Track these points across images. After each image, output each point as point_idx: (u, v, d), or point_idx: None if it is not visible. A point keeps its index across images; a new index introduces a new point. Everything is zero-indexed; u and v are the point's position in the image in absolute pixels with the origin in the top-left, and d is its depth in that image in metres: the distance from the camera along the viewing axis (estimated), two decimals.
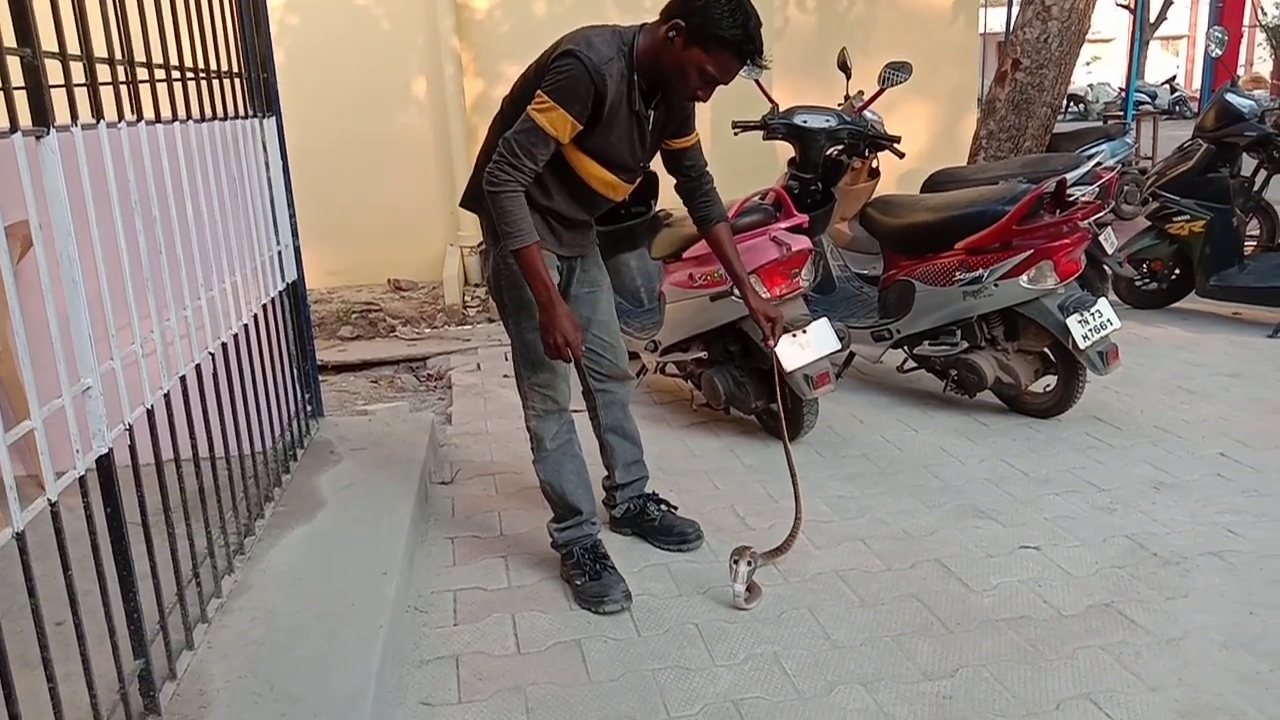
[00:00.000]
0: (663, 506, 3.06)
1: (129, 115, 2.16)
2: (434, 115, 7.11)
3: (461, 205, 2.78)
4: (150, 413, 2.11)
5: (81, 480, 1.77)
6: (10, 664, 1.51)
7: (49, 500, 1.64)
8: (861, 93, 4.95)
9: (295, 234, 3.54)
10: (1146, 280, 5.74)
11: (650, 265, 4.43)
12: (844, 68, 4.86)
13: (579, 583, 2.70)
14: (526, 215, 2.39)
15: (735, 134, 4.35)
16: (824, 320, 3.62)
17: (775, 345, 2.84)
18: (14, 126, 1.59)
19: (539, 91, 2.36)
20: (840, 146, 4.35)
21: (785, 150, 4.49)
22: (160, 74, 2.39)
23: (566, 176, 2.53)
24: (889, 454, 3.72)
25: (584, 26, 2.45)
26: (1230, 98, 5.35)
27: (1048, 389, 4.02)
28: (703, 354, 3.91)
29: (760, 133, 4.33)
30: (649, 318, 4.30)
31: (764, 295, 3.51)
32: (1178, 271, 5.61)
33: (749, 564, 2.63)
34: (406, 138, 7.13)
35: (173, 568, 2.19)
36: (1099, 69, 31.52)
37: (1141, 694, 2.22)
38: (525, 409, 2.77)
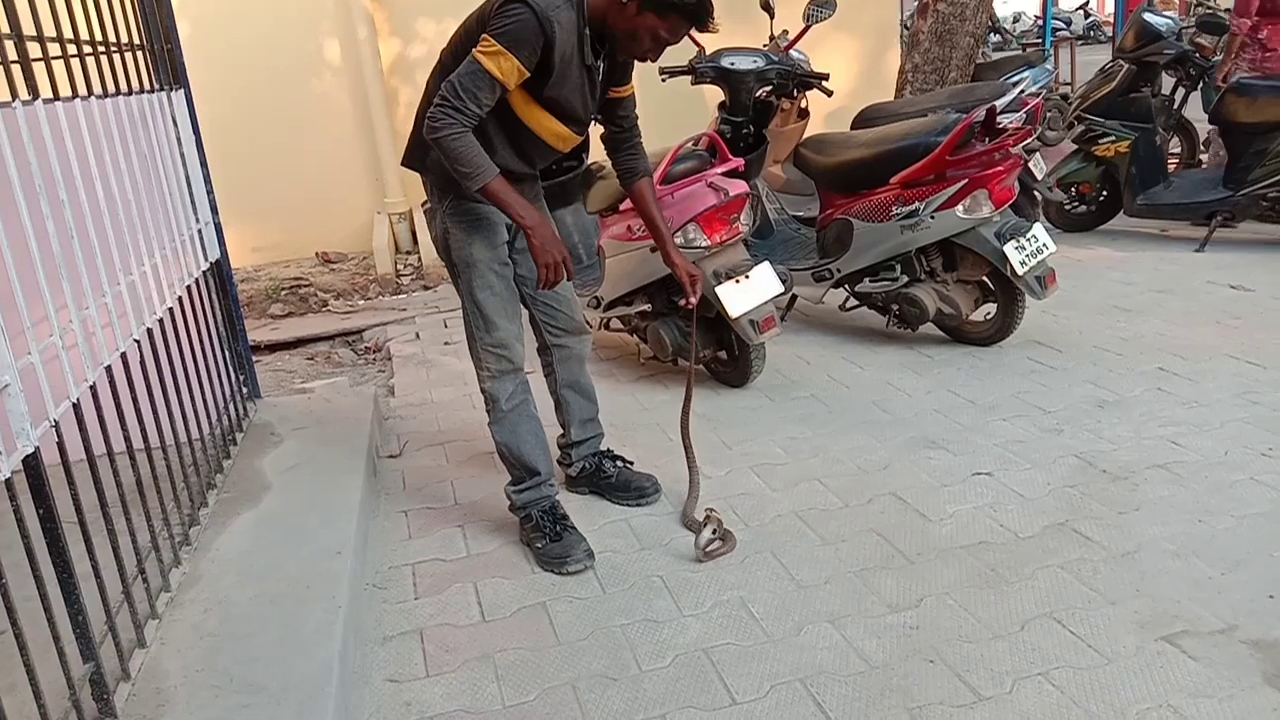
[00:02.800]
0: (619, 463, 3.03)
1: (24, 94, 2.02)
2: (350, 79, 6.89)
3: (403, 164, 2.68)
4: (77, 407, 2.01)
5: (8, 483, 1.68)
6: None
7: None
8: (786, 32, 4.89)
9: (215, 210, 3.40)
10: (1075, 203, 5.82)
11: (586, 220, 4.36)
12: (766, 8, 4.79)
13: (540, 545, 2.66)
14: (480, 151, 2.30)
15: (663, 80, 4.27)
16: (766, 264, 3.60)
17: (695, 303, 2.79)
18: None
19: (484, 35, 2.27)
20: (769, 88, 4.31)
21: (714, 95, 4.44)
22: (55, 50, 2.25)
23: (513, 129, 2.45)
24: (837, 392, 3.73)
25: None
26: (1148, 17, 5.41)
27: (988, 317, 4.07)
28: (646, 306, 3.87)
29: (688, 78, 4.26)
30: (589, 274, 4.24)
31: (704, 242, 3.47)
32: (1105, 193, 5.70)
33: (713, 531, 2.62)
34: (323, 105, 6.91)
35: (116, 565, 2.11)
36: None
37: (1102, 608, 2.26)
38: (479, 370, 2.71)
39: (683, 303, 2.92)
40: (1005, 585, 2.38)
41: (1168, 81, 5.76)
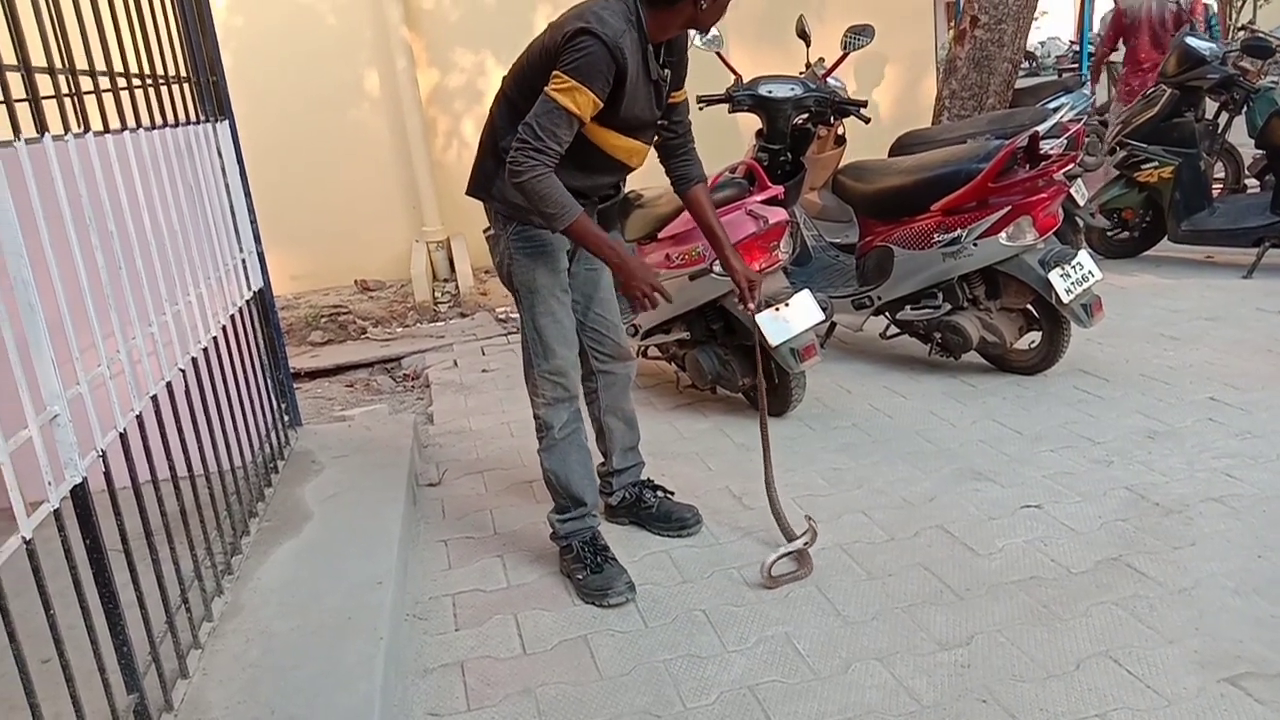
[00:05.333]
0: (659, 493, 3.00)
1: (75, 127, 2.04)
2: (389, 110, 6.97)
3: (468, 193, 2.68)
4: (124, 436, 2.02)
5: (56, 513, 1.68)
6: None
7: (23, 538, 1.54)
8: (822, 59, 4.89)
9: (258, 240, 3.43)
10: (1118, 229, 5.74)
11: (625, 248, 4.35)
12: (803, 35, 4.79)
13: (580, 577, 2.63)
14: (563, 190, 2.31)
15: (700, 109, 4.25)
16: (806, 292, 3.56)
17: (754, 309, 2.78)
18: None
19: (557, 72, 2.27)
20: (806, 115, 4.30)
21: (752, 123, 4.43)
22: (105, 83, 2.28)
23: (584, 150, 2.45)
24: (880, 422, 3.68)
25: (585, 1, 2.37)
26: (1191, 41, 5.34)
27: (1033, 345, 4.00)
28: (685, 334, 3.85)
29: (726, 106, 4.26)
30: (627, 301, 4.21)
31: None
32: (1149, 219, 5.61)
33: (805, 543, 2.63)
34: (362, 134, 7.00)
35: (160, 594, 2.11)
36: (1047, 24, 31.60)
37: (1160, 647, 2.19)
38: (534, 397, 2.69)
39: (740, 307, 2.89)
40: (1058, 622, 2.32)
41: (1211, 105, 5.68)
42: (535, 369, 2.64)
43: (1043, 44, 26.07)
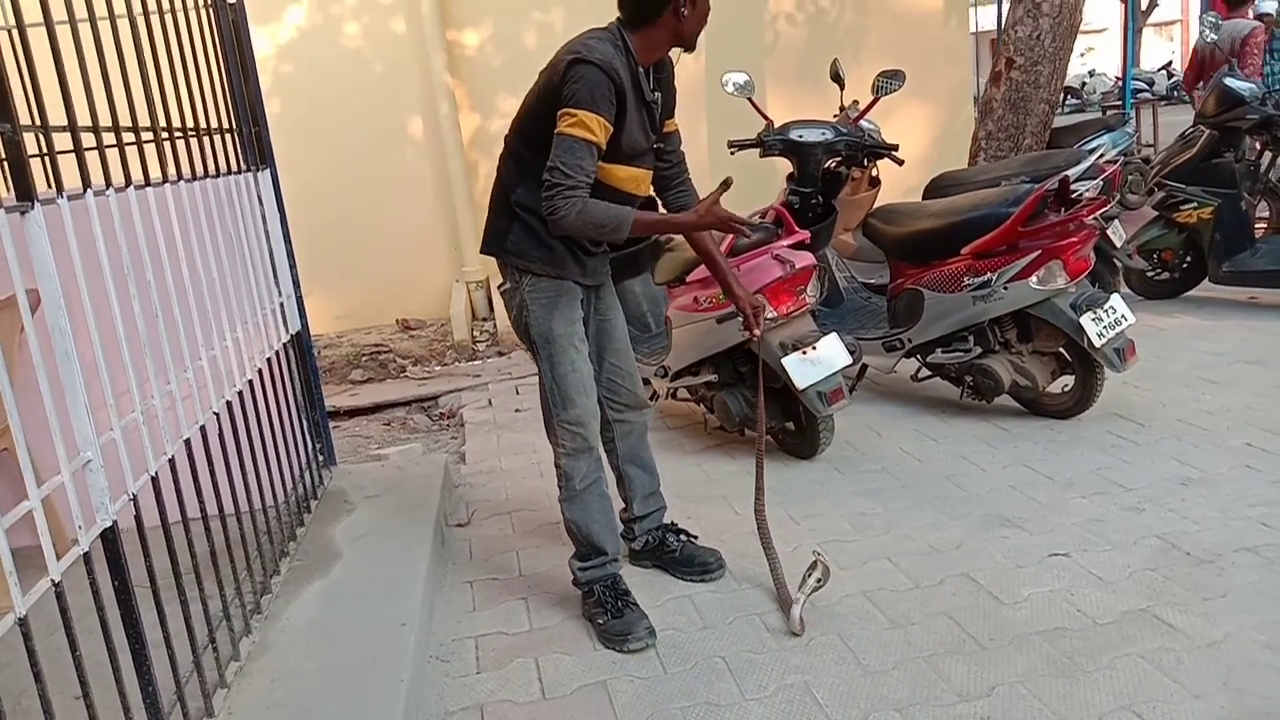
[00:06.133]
0: (682, 537, 3.01)
1: (116, 181, 2.13)
2: (432, 154, 7.11)
3: (482, 251, 2.72)
4: (155, 479, 2.08)
5: (86, 556, 1.74)
6: None
7: (52, 581, 1.60)
8: (856, 102, 4.92)
9: (297, 285, 3.52)
10: (1158, 270, 5.68)
11: (655, 290, 4.41)
12: (837, 78, 4.82)
13: (601, 621, 2.65)
14: (606, 205, 2.40)
15: (732, 153, 4.32)
16: (834, 335, 3.57)
17: (759, 335, 2.82)
18: None
19: (562, 111, 2.34)
20: (838, 158, 4.33)
21: (784, 166, 4.47)
22: (148, 135, 2.37)
23: (594, 193, 2.49)
24: (909, 466, 3.66)
25: (571, 40, 2.45)
26: (1229, 82, 5.30)
27: (1066, 389, 3.96)
28: (713, 377, 3.87)
29: (757, 151, 4.30)
30: (657, 342, 4.26)
31: (770, 314, 3.46)
32: (1189, 260, 5.55)
33: (817, 581, 2.62)
34: (405, 177, 7.14)
35: (188, 633, 2.16)
36: (1094, 59, 31.44)
37: (1186, 702, 2.15)
38: (555, 447, 2.72)
39: (744, 333, 2.92)
40: (1082, 674, 2.29)
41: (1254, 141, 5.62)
42: (555, 418, 2.67)
43: (1090, 75, 25.86)
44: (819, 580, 2.62)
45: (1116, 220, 5.12)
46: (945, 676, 2.33)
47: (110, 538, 1.84)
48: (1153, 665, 2.29)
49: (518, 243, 2.53)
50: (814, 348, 3.50)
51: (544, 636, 2.70)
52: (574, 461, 2.68)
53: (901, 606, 2.67)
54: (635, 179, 2.58)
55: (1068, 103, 22.05)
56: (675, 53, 2.59)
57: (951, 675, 2.34)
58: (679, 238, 3.89)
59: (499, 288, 2.74)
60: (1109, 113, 11.07)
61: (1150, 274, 5.67)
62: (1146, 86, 18.87)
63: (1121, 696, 2.19)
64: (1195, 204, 5.29)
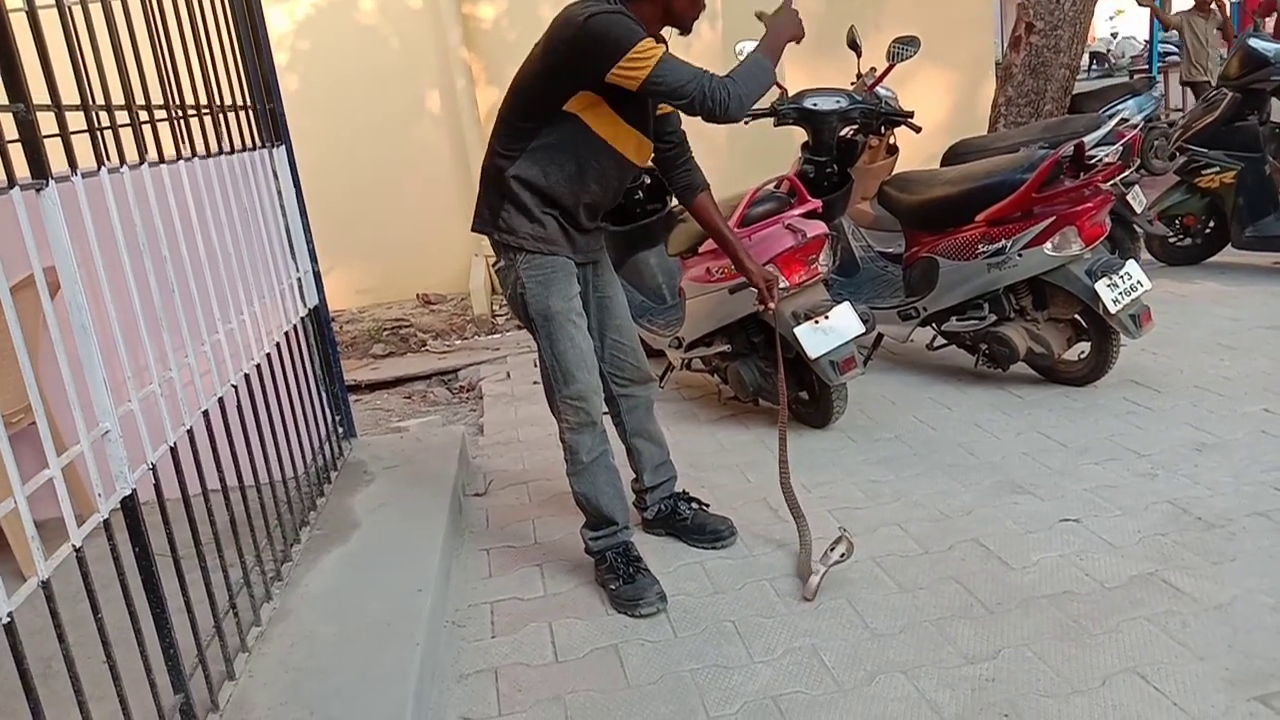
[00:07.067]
0: (694, 505, 3.05)
1: (131, 158, 2.17)
2: (449, 127, 7.14)
3: (473, 229, 2.74)
4: (174, 450, 2.14)
5: (106, 523, 1.80)
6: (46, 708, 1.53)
7: (74, 546, 1.66)
8: (874, 69, 4.88)
9: (314, 259, 3.56)
10: (1180, 236, 5.62)
11: (669, 261, 4.42)
12: (854, 46, 4.78)
13: (613, 587, 2.69)
14: (742, 70, 2.42)
15: (745, 124, 4.29)
16: (846, 305, 3.58)
17: (773, 308, 2.85)
18: (11, 182, 1.61)
19: (624, 62, 2.32)
20: (854, 126, 4.31)
21: (800, 135, 4.45)
22: (162, 114, 2.40)
23: (599, 154, 2.52)
24: (923, 434, 3.68)
25: (564, 10, 2.47)
26: (1254, 43, 5.21)
27: (1082, 356, 3.95)
28: (726, 347, 3.89)
29: (771, 120, 4.29)
30: (672, 314, 4.28)
31: (783, 284, 3.47)
32: (1211, 225, 5.49)
33: (841, 556, 2.63)
34: (423, 152, 7.18)
35: (209, 600, 2.22)
36: (1123, 23, 30.82)
37: (1190, 664, 2.17)
38: (559, 423, 2.75)
39: (759, 307, 2.95)
40: (1088, 638, 2.31)
41: (1278, 107, 5.53)
42: (557, 395, 2.70)
43: (1115, 39, 25.35)
44: (843, 555, 2.64)
45: (1136, 186, 5.07)
46: (951, 640, 2.36)
47: (130, 506, 1.90)
48: (1159, 628, 2.31)
49: (509, 221, 2.55)
50: (826, 317, 3.50)
51: (558, 602, 2.76)
52: (579, 436, 2.71)
53: (910, 571, 2.70)
54: (639, 145, 2.60)
55: (1093, 68, 21.68)
56: (669, 32, 2.57)
57: (958, 638, 2.36)
58: None
59: (494, 266, 2.76)
60: (1136, 77, 10.91)
61: (1172, 240, 5.62)
62: (1175, 49, 18.52)
63: (1126, 659, 2.21)
64: (1218, 168, 5.23)
